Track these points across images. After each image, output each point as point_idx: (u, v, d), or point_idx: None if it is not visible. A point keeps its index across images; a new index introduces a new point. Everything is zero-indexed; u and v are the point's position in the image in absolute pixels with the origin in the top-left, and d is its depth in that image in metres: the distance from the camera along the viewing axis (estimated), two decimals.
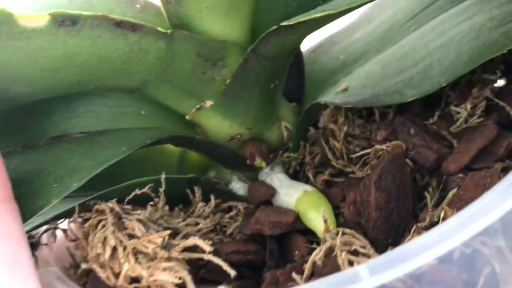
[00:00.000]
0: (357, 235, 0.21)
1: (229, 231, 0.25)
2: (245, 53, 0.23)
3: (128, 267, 0.21)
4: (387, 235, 0.22)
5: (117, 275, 0.21)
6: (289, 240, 0.23)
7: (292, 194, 0.25)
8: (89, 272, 0.24)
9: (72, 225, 0.26)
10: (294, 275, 0.20)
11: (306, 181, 0.26)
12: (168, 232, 0.21)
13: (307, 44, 0.31)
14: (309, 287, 0.17)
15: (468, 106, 0.24)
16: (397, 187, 0.22)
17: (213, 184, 0.27)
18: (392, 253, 0.17)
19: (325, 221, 0.22)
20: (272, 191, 0.25)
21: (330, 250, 0.20)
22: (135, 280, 0.21)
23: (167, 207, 0.25)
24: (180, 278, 0.20)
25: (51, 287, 0.22)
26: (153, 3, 0.25)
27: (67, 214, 0.25)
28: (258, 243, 0.24)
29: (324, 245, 0.20)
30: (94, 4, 0.24)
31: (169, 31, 0.22)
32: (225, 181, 0.28)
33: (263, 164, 0.26)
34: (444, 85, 0.24)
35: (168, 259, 0.21)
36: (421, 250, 0.16)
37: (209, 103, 0.24)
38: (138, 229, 0.22)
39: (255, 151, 0.25)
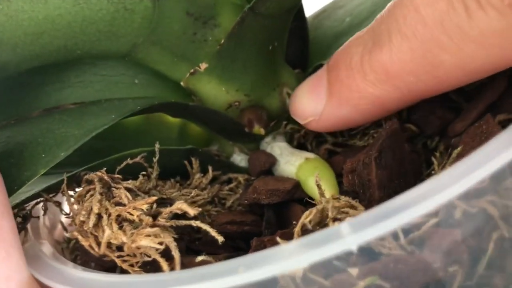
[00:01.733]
0: (353, 203, 0.19)
1: (228, 203, 0.24)
2: (243, 11, 0.21)
3: (109, 234, 0.19)
4: None
5: (100, 244, 0.20)
6: (287, 210, 0.22)
7: (293, 162, 0.23)
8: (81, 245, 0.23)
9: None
10: (278, 238, 0.18)
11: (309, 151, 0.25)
12: (155, 198, 0.20)
13: (310, 10, 0.29)
14: (285, 247, 0.15)
15: None
16: (398, 164, 0.20)
17: (213, 155, 0.25)
18: (378, 209, 0.15)
19: (319, 186, 0.20)
20: (272, 160, 0.24)
21: (322, 215, 0.19)
22: (121, 249, 0.20)
23: (164, 179, 0.25)
24: (163, 244, 0.19)
25: (38, 261, 0.21)
26: None
27: (59, 187, 0.24)
28: (256, 214, 0.23)
29: (316, 207, 0.19)
30: None
31: None
32: (227, 154, 0.26)
33: (262, 131, 0.24)
34: None
35: (154, 225, 0.19)
36: (411, 204, 0.15)
37: (203, 66, 0.23)
38: (124, 196, 0.21)
39: (254, 117, 0.24)
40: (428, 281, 0.17)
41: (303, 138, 0.25)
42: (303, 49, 0.27)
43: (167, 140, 0.27)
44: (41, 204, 0.24)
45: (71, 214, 0.22)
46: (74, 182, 0.23)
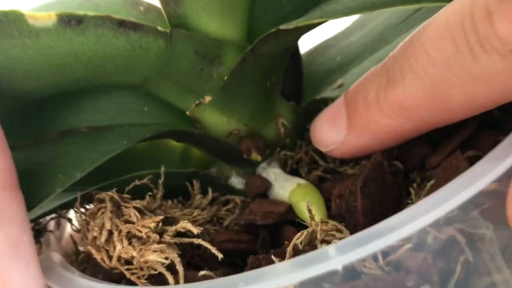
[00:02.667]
0: (340, 227, 0.22)
1: (226, 223, 0.27)
2: (244, 52, 0.24)
3: (121, 248, 0.22)
4: None
5: (111, 257, 0.22)
6: (280, 231, 0.24)
7: (286, 187, 0.26)
8: (89, 258, 0.25)
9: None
10: (273, 257, 0.20)
11: (301, 177, 0.27)
12: (161, 217, 0.23)
13: (304, 47, 0.32)
14: (279, 265, 0.18)
15: None
16: (381, 193, 0.23)
17: (212, 178, 0.28)
18: (360, 234, 0.17)
19: (310, 211, 0.23)
20: (267, 184, 0.26)
21: (312, 237, 0.21)
22: (129, 262, 0.22)
23: (167, 200, 0.27)
24: (168, 259, 0.21)
25: (51, 271, 0.24)
26: (156, 5, 0.26)
27: (72, 204, 0.27)
28: (252, 234, 0.25)
29: (306, 230, 0.21)
30: (101, 7, 0.26)
31: (168, 30, 0.23)
32: (225, 176, 0.29)
33: (259, 158, 0.27)
34: None
35: (160, 242, 0.22)
36: (390, 230, 0.17)
37: (207, 98, 0.26)
38: (134, 215, 0.23)
39: (252, 145, 0.27)
40: None
41: (296, 164, 0.28)
42: (297, 84, 0.29)
43: (170, 162, 0.30)
44: (55, 219, 0.26)
45: (82, 230, 0.24)
46: (85, 200, 0.25)
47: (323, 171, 0.27)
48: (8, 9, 0.22)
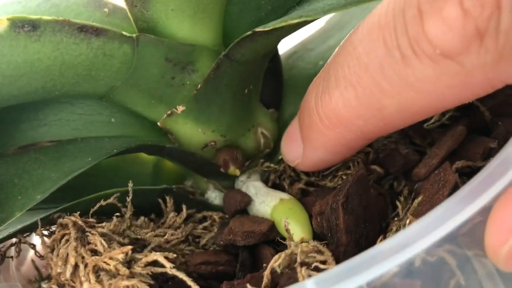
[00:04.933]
0: (321, 248, 0.20)
1: (202, 242, 0.25)
2: (218, 58, 0.22)
3: (88, 286, 0.20)
4: None
5: None
6: (259, 252, 0.23)
7: (268, 202, 0.24)
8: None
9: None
10: (248, 286, 0.19)
11: (284, 190, 0.26)
12: (130, 247, 0.21)
13: (281, 49, 0.30)
14: None
15: None
16: (364, 209, 0.21)
17: (187, 194, 0.26)
18: (343, 265, 0.16)
19: (287, 231, 0.21)
20: (247, 199, 0.24)
21: (291, 259, 0.19)
22: None
23: (138, 218, 0.25)
24: None
25: None
26: (122, 7, 0.24)
27: (33, 227, 0.24)
28: (231, 254, 0.23)
29: (284, 252, 0.19)
30: (61, 8, 0.24)
31: (134, 35, 0.21)
32: (201, 190, 0.27)
33: (237, 172, 0.25)
34: None
35: (131, 274, 0.20)
36: (376, 261, 0.16)
37: (180, 108, 0.24)
38: (100, 244, 0.21)
39: (229, 158, 0.25)
40: None
41: (278, 178, 0.26)
42: (277, 89, 0.27)
43: (141, 176, 0.28)
44: (15, 245, 0.24)
45: (46, 258, 0.22)
46: (48, 223, 0.23)
47: (305, 184, 0.25)
48: None
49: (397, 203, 0.22)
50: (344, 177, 0.24)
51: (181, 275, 0.19)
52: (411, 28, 0.16)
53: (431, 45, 0.16)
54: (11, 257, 0.25)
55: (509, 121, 0.22)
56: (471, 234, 0.18)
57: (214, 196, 0.26)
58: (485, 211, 0.18)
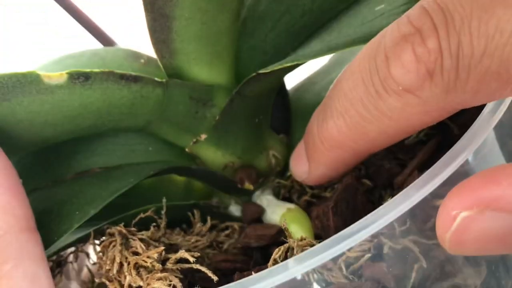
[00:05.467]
0: (314, 242, 0.24)
1: (225, 246, 0.29)
2: (231, 94, 0.27)
3: (130, 279, 0.25)
4: None
5: (123, 286, 0.25)
6: (270, 252, 0.27)
7: (277, 212, 0.29)
8: (102, 285, 0.28)
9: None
10: (253, 273, 0.23)
11: (293, 202, 0.30)
12: (163, 248, 0.25)
13: (291, 84, 0.35)
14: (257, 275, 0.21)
15: None
16: (351, 211, 0.25)
17: (212, 208, 0.31)
18: (317, 246, 0.20)
19: (285, 229, 0.25)
20: (260, 210, 0.29)
21: (290, 252, 0.24)
22: None
23: (173, 229, 0.30)
24: (171, 285, 0.24)
25: None
26: (155, 58, 0.30)
27: (87, 237, 0.30)
28: (247, 255, 0.28)
29: (283, 246, 0.24)
30: (107, 61, 0.29)
31: (164, 80, 0.27)
32: (225, 205, 0.32)
33: (251, 187, 0.30)
34: None
35: (164, 270, 0.25)
36: (339, 241, 0.20)
37: (203, 136, 0.29)
38: (139, 247, 0.26)
39: (244, 176, 0.30)
40: None
41: (288, 192, 0.31)
42: (286, 117, 0.32)
43: (175, 194, 0.33)
44: (73, 253, 0.29)
45: (98, 262, 0.28)
46: (99, 234, 0.29)
47: (311, 196, 0.30)
48: (26, 71, 0.25)
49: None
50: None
51: (203, 269, 0.24)
52: (380, 70, 0.21)
53: (396, 83, 0.21)
54: (71, 262, 0.30)
55: None
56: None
57: (235, 209, 0.31)
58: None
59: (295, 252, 0.24)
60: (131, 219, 0.29)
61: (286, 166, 0.31)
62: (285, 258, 0.24)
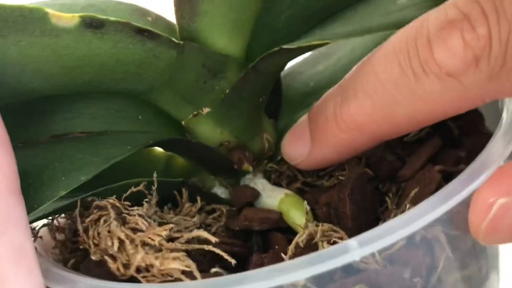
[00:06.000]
0: (335, 228, 0.24)
1: (213, 229, 0.28)
2: (246, 68, 0.26)
3: (140, 257, 0.22)
4: None
5: (126, 266, 0.23)
6: (270, 237, 0.26)
7: (275, 196, 0.28)
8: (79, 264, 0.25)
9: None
10: (282, 255, 0.22)
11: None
12: (172, 225, 0.23)
13: None
14: (299, 261, 0.20)
15: None
16: (364, 201, 0.26)
17: (199, 187, 0.29)
18: (372, 231, 0.20)
19: (307, 213, 0.25)
20: (256, 193, 0.28)
21: (310, 238, 0.23)
22: (140, 271, 0.22)
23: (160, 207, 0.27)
24: (187, 266, 0.22)
25: (48, 272, 0.23)
26: (164, 17, 0.27)
27: (63, 210, 0.26)
28: (241, 240, 0.27)
29: (307, 229, 0.23)
30: (108, 13, 0.26)
31: (181, 42, 0.25)
32: (208, 186, 0.30)
33: (250, 168, 0.28)
34: None
35: (174, 249, 0.22)
36: (389, 232, 0.20)
37: (205, 110, 0.27)
38: (141, 223, 0.23)
39: (243, 157, 0.28)
40: None
41: (278, 178, 0.30)
42: (277, 102, 0.32)
43: (153, 171, 0.30)
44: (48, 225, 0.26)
45: (82, 237, 0.24)
46: (81, 206, 0.25)
47: (302, 184, 0.29)
48: (33, 5, 0.22)
49: (387, 199, 0.27)
50: (340, 177, 0.28)
51: (219, 251, 0.23)
52: (422, 53, 0.22)
53: (438, 66, 0.21)
54: (41, 237, 0.26)
55: (472, 138, 0.28)
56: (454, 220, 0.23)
57: (220, 191, 0.30)
58: (464, 204, 0.23)
59: (318, 236, 0.23)
60: (116, 192, 0.26)
61: (276, 152, 0.30)
62: (306, 244, 0.23)
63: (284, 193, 0.28)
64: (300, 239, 0.23)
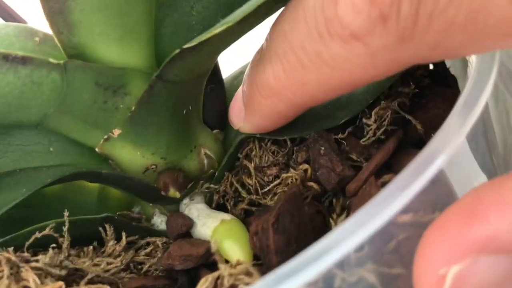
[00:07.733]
0: (250, 270, 0.19)
1: (145, 268, 0.24)
2: (151, 79, 0.22)
3: None
4: None
5: None
6: (199, 275, 0.22)
7: (209, 224, 0.24)
8: None
9: None
10: None
11: (228, 211, 0.25)
12: (61, 283, 0.20)
13: (227, 72, 0.31)
14: None
15: (373, 117, 0.23)
16: (297, 227, 0.20)
17: (129, 221, 0.25)
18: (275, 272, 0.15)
19: (217, 251, 0.20)
20: (189, 223, 0.24)
21: (220, 282, 0.19)
22: None
23: (80, 248, 0.24)
24: None
25: None
26: (53, 36, 0.24)
27: None
28: (173, 279, 0.23)
29: (211, 275, 0.19)
30: None
31: (62, 62, 0.21)
32: (148, 216, 0.26)
33: (177, 194, 0.24)
34: (370, 102, 0.24)
35: None
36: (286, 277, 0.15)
37: (116, 132, 0.23)
38: (32, 281, 0.20)
39: (169, 181, 0.24)
40: None
41: (222, 198, 0.26)
42: (221, 110, 0.27)
43: (87, 204, 0.27)
44: None
45: None
46: None
47: (248, 204, 0.25)
48: None
49: (331, 220, 0.22)
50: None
51: None
52: (327, 8, 0.17)
53: (342, 26, 0.17)
54: None
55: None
56: (396, 249, 0.18)
57: (160, 221, 0.26)
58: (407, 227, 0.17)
59: (225, 282, 0.18)
60: (27, 239, 0.23)
61: (222, 170, 0.26)
62: None
63: (221, 219, 0.24)
64: (203, 286, 0.19)
